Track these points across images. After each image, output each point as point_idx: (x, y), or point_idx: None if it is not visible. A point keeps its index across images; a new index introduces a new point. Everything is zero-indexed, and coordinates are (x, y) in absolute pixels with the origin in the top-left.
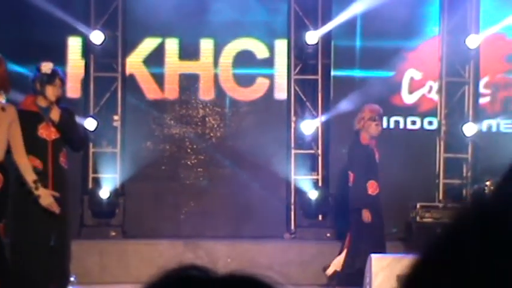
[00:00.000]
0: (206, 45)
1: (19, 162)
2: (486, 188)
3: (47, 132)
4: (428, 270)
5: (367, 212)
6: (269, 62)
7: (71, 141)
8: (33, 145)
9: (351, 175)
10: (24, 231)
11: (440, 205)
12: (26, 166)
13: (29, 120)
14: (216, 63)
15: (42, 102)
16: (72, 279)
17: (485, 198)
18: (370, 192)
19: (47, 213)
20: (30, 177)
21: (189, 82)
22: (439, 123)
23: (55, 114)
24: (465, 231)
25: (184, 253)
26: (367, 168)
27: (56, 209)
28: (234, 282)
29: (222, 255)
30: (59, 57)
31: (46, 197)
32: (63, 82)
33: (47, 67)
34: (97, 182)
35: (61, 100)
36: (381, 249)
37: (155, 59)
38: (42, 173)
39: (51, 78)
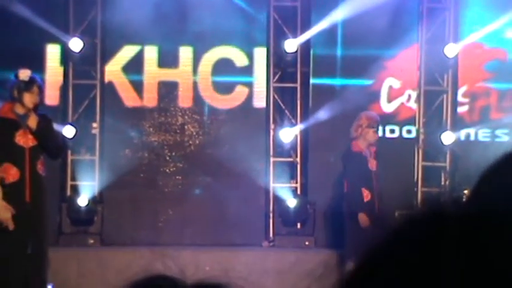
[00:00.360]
0: (185, 53)
1: None
2: (464, 196)
3: (24, 140)
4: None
5: (364, 216)
6: (248, 70)
7: (48, 149)
8: (10, 152)
9: (345, 183)
10: (1, 239)
11: None
12: None
13: (6, 128)
14: (195, 71)
15: (19, 110)
16: (49, 287)
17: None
18: (365, 199)
19: (23, 221)
20: None
21: (168, 90)
22: (418, 131)
23: (32, 122)
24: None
25: (163, 261)
26: (360, 175)
27: (10, 226)
28: None
29: (200, 263)
30: (38, 64)
31: (4, 212)
32: (40, 89)
33: (24, 74)
34: (75, 190)
35: (39, 107)
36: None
37: (134, 66)
38: (17, 182)
39: (28, 85)
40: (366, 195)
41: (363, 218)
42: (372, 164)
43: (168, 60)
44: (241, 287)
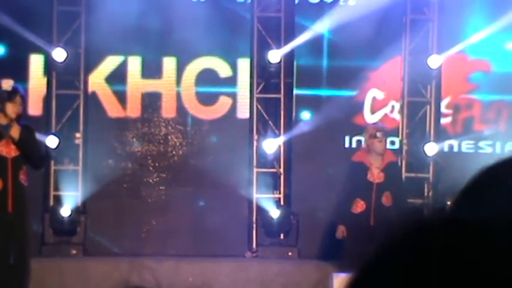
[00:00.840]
0: (169, 64)
1: None
2: (447, 207)
3: (6, 150)
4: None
5: (342, 227)
6: (232, 81)
7: (31, 159)
8: None
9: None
10: None
11: None
12: None
13: None
14: (178, 81)
15: (1, 120)
16: None
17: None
18: (353, 210)
19: (5, 231)
20: None
21: (151, 100)
22: (401, 142)
23: (15, 132)
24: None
25: (145, 272)
26: (355, 185)
27: None
28: None
29: (183, 274)
30: (21, 74)
31: None
32: (23, 99)
33: (7, 84)
34: (58, 200)
35: (21, 117)
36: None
37: (117, 77)
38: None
39: (11, 95)
40: (360, 206)
41: (339, 229)
42: (374, 175)
43: (151, 70)
44: None
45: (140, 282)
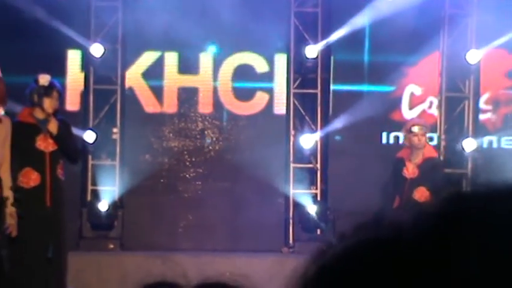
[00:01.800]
0: (205, 59)
1: (2, 177)
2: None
3: (44, 144)
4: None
5: None
6: (268, 76)
7: (68, 153)
8: (31, 157)
9: None
10: (22, 243)
11: None
12: (6, 182)
13: (27, 132)
14: (215, 77)
15: (39, 114)
16: None
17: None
18: (394, 206)
19: (44, 225)
20: (5, 193)
21: (188, 95)
22: (439, 138)
23: (53, 126)
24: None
25: (182, 266)
26: (393, 182)
27: (13, 233)
28: None
29: (220, 269)
30: (59, 69)
31: (10, 218)
32: (60, 94)
33: (44, 79)
34: (96, 195)
35: (58, 112)
36: None
37: (154, 72)
38: (38, 186)
39: (48, 90)
40: (397, 201)
41: None
42: (408, 171)
43: (188, 66)
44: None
45: (175, 277)
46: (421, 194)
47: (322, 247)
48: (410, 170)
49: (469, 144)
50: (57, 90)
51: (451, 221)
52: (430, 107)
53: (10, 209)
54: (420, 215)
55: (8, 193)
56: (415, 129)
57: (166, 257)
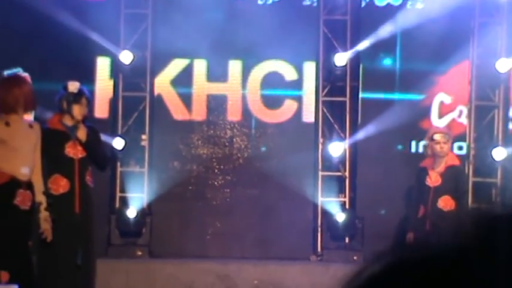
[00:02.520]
0: (234, 67)
1: (34, 181)
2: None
3: (73, 151)
4: None
5: (411, 234)
6: (297, 84)
7: (96, 160)
8: (60, 164)
9: None
10: (51, 250)
11: None
12: (38, 188)
13: (56, 139)
14: (244, 84)
15: (68, 121)
16: None
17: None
18: (419, 215)
19: (73, 231)
20: (38, 198)
21: (216, 103)
22: (468, 146)
23: (82, 133)
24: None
25: (210, 274)
26: (417, 190)
27: (49, 237)
28: None
29: (248, 277)
30: (88, 76)
31: (45, 222)
32: (89, 101)
33: (73, 86)
34: (124, 202)
35: (87, 119)
36: None
37: (183, 79)
38: (67, 193)
39: (77, 97)
40: (421, 210)
41: (408, 236)
42: (431, 179)
43: (217, 73)
44: None
45: (204, 284)
46: (445, 202)
47: (357, 269)
48: (433, 179)
49: (498, 153)
50: (86, 97)
51: (480, 250)
52: (459, 116)
53: (44, 214)
54: (450, 239)
55: (40, 198)
56: (437, 137)
57: (195, 265)
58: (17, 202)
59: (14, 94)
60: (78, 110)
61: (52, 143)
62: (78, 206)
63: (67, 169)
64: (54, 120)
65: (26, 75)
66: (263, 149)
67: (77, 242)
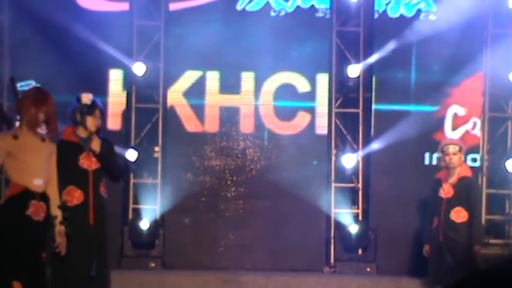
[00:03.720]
0: (247, 79)
1: (50, 194)
2: None
3: (88, 163)
4: None
5: (427, 246)
6: (310, 96)
7: (110, 171)
8: (75, 175)
9: None
10: (65, 261)
11: (484, 241)
12: (54, 201)
13: (70, 151)
14: (256, 96)
15: (81, 133)
16: None
17: None
18: (433, 227)
19: (87, 243)
20: (54, 211)
21: (229, 115)
22: (482, 158)
23: (96, 145)
24: None
25: (223, 286)
26: (432, 202)
27: (63, 251)
28: None
29: None
30: (101, 88)
31: (59, 236)
32: (102, 113)
33: (87, 98)
34: (137, 213)
35: (100, 130)
36: (433, 283)
37: (196, 91)
38: (81, 205)
39: (91, 109)
40: (435, 223)
41: (425, 248)
42: (444, 191)
43: (229, 85)
44: None
45: None
46: (458, 214)
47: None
48: (446, 190)
49: None
50: (99, 109)
51: None
52: (473, 128)
53: (59, 228)
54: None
55: (56, 211)
56: (447, 148)
57: (208, 276)
58: (30, 213)
59: (31, 112)
60: (91, 122)
61: (66, 154)
62: (93, 218)
63: (81, 181)
64: (67, 132)
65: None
66: (275, 161)
67: (92, 254)
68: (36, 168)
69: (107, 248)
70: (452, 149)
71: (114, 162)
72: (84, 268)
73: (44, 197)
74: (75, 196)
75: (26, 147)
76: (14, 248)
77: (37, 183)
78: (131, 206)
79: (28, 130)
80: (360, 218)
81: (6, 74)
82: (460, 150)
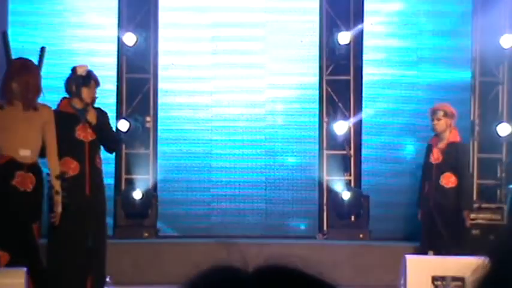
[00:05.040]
0: None
1: (48, 164)
2: None
3: (84, 134)
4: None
5: (420, 211)
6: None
7: (106, 143)
8: (71, 146)
9: None
10: (62, 232)
11: (475, 206)
12: (54, 170)
13: (66, 122)
14: None
15: (77, 104)
16: (107, 279)
17: None
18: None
19: (84, 214)
20: (53, 181)
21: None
22: (472, 123)
23: (92, 116)
24: None
25: (217, 253)
26: (424, 168)
27: (56, 222)
28: (265, 279)
29: (253, 255)
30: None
31: (56, 206)
32: (97, 84)
33: (82, 69)
34: (130, 183)
35: (95, 102)
36: (431, 249)
37: None
38: (77, 176)
39: (86, 80)
40: (426, 188)
41: (420, 213)
42: (433, 156)
43: None
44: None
45: (211, 263)
46: (447, 179)
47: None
48: (435, 156)
49: (503, 129)
50: (95, 79)
51: None
52: None
53: (56, 198)
54: None
55: (54, 182)
56: (432, 113)
57: (201, 244)
58: (15, 183)
59: (14, 84)
60: (87, 93)
61: (62, 126)
62: (89, 189)
63: (77, 152)
64: (63, 103)
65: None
66: (269, 127)
67: (88, 224)
68: (23, 139)
69: (104, 219)
70: (436, 114)
71: (111, 134)
72: (81, 239)
73: (33, 167)
74: (71, 167)
75: (12, 117)
76: (0, 219)
77: (23, 154)
78: (124, 176)
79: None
80: (352, 185)
81: None
82: (445, 115)
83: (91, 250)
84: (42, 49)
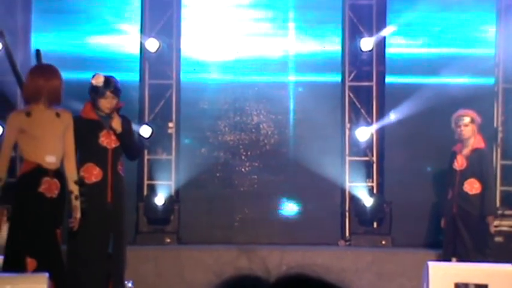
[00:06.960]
0: None
1: (66, 169)
2: None
3: (107, 141)
4: None
5: (444, 218)
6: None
7: (129, 150)
8: (94, 153)
9: None
10: (82, 238)
11: (499, 213)
12: (71, 176)
13: (91, 128)
14: None
15: (101, 111)
16: (130, 284)
17: None
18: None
19: (105, 220)
20: (70, 186)
21: (243, 89)
22: (496, 129)
23: (117, 124)
24: None
25: (239, 260)
26: (448, 175)
27: (75, 227)
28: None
29: (276, 262)
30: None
31: (75, 211)
32: (115, 92)
33: (97, 80)
34: (152, 189)
35: (121, 108)
36: (454, 256)
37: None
38: (99, 182)
39: (101, 91)
40: (449, 194)
41: (442, 220)
42: (457, 163)
43: None
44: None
45: (233, 270)
46: (471, 185)
47: None
48: (459, 162)
49: None
50: (112, 90)
51: None
52: None
53: (74, 203)
54: None
55: (72, 187)
56: (458, 120)
57: (223, 251)
58: (42, 190)
59: (38, 85)
60: (103, 104)
61: (86, 132)
62: (111, 195)
63: (100, 158)
64: (87, 109)
65: (56, 69)
66: (289, 135)
67: (109, 231)
68: (49, 145)
69: (124, 226)
70: (463, 120)
71: (133, 141)
72: (101, 245)
73: (57, 173)
74: (94, 173)
75: (39, 124)
76: (28, 226)
77: (49, 160)
78: (146, 182)
79: (45, 107)
80: (375, 191)
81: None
82: (471, 122)
83: (111, 256)
84: (38, 52)
